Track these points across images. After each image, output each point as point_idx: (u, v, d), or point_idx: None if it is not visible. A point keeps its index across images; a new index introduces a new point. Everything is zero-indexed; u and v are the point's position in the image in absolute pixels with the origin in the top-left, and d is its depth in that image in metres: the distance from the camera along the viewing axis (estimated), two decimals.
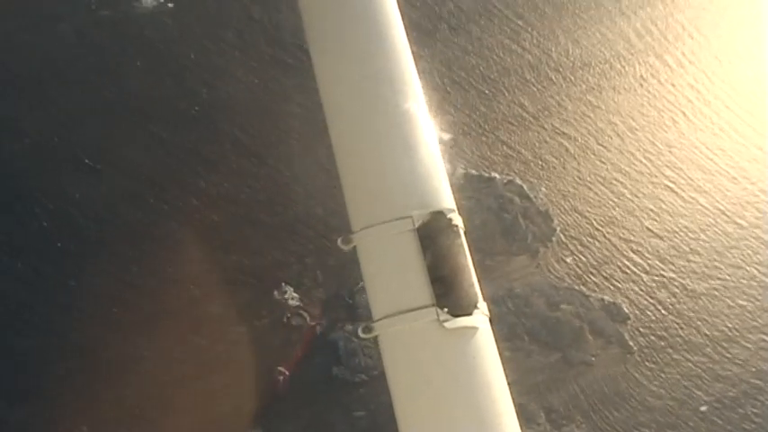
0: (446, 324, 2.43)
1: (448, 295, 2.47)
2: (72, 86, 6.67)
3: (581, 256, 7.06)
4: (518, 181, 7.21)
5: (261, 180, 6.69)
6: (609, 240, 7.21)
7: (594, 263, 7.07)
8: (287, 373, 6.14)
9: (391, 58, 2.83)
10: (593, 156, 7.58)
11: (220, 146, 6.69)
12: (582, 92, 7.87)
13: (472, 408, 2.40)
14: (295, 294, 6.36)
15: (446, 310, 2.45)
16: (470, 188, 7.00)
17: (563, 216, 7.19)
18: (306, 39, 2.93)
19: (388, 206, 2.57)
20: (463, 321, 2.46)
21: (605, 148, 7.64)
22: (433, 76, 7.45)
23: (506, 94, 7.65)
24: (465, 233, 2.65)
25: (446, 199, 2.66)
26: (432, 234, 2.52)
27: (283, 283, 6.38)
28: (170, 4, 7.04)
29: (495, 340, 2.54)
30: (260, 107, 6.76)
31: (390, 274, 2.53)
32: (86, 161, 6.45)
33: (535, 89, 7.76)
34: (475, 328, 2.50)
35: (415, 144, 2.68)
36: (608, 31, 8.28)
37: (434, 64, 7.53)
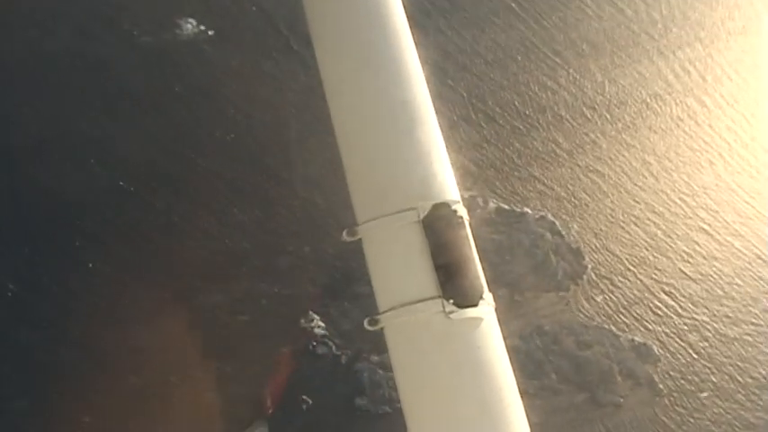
0: (452, 315, 2.47)
1: (453, 286, 2.51)
2: (109, 111, 6.87)
3: (612, 296, 7.07)
4: (550, 217, 7.26)
5: (293, 210, 6.81)
6: (640, 281, 7.22)
7: (625, 303, 7.07)
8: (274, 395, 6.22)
9: (394, 51, 2.85)
10: (626, 195, 7.61)
11: (254, 174, 6.83)
12: (617, 130, 7.93)
13: (478, 399, 2.43)
14: (321, 323, 6.43)
15: (452, 301, 2.49)
16: (502, 222, 7.06)
17: (594, 254, 7.22)
18: (309, 32, 2.97)
19: (392, 198, 2.61)
20: (469, 312, 2.50)
21: (639, 187, 7.67)
22: (467, 111, 7.56)
23: (541, 131, 7.73)
24: (469, 224, 2.70)
25: (450, 190, 2.69)
26: (436, 225, 2.56)
27: (310, 312, 6.46)
28: (210, 32, 7.24)
29: (502, 332, 2.56)
30: (296, 137, 6.89)
31: (395, 266, 2.58)
32: (121, 183, 6.61)
33: (570, 126, 7.83)
34: (481, 319, 2.53)
35: (418, 136, 2.73)
36: (645, 71, 8.34)
37: (469, 98, 7.64)
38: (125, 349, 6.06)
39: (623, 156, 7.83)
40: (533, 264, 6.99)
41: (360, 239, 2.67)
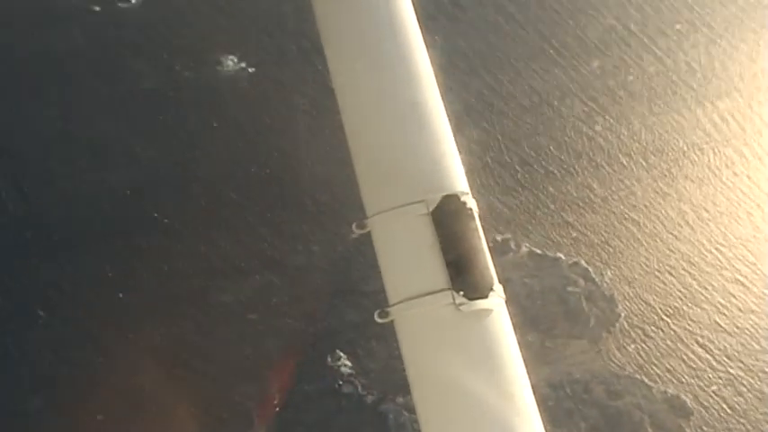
0: (462, 307, 2.46)
1: (463, 278, 2.49)
2: (147, 149, 7.05)
3: (644, 345, 7.03)
4: (583, 263, 7.27)
5: (323, 247, 6.90)
6: (674, 331, 7.17)
7: (658, 353, 7.03)
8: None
9: (403, 44, 2.87)
10: (661, 243, 7.61)
11: (288, 210, 6.95)
12: (653, 178, 7.96)
13: (489, 390, 2.44)
14: (348, 362, 6.47)
15: (462, 293, 2.47)
16: (534, 267, 7.09)
17: (627, 303, 7.20)
18: (317, 25, 2.99)
19: (401, 190, 2.60)
20: (479, 304, 2.48)
21: (675, 236, 7.66)
22: (502, 154, 7.65)
23: (576, 177, 7.79)
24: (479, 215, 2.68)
25: (459, 182, 2.68)
26: (446, 217, 2.55)
27: (338, 350, 6.51)
28: (250, 70, 7.44)
29: (512, 324, 2.56)
30: (330, 174, 7.01)
31: (405, 259, 2.57)
32: (164, 220, 6.76)
33: (605, 172, 7.88)
34: (490, 311, 2.52)
35: (427, 128, 2.73)
36: (683, 120, 8.39)
37: (504, 142, 7.73)
38: (135, 348, 6.20)
39: (659, 204, 7.84)
40: (565, 310, 6.99)
41: (369, 232, 2.64)
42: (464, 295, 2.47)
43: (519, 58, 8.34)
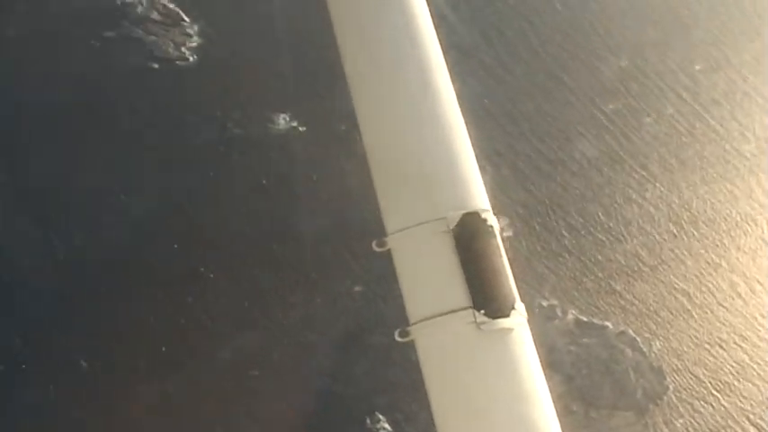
0: (483, 326, 2.47)
1: (485, 297, 2.52)
2: (196, 208, 7.28)
3: (693, 421, 6.94)
4: (631, 333, 7.25)
5: (363, 304, 6.99)
6: (724, 407, 7.07)
7: (707, 430, 6.93)
8: None
9: (423, 61, 2.92)
10: (711, 315, 7.55)
11: (333, 268, 7.08)
12: (704, 248, 7.94)
13: (511, 411, 2.45)
14: (387, 426, 6.49)
15: (483, 312, 2.49)
16: (580, 335, 7.09)
17: (675, 375, 7.14)
18: (337, 43, 3.06)
19: (421, 208, 2.64)
20: (501, 323, 2.50)
21: (726, 308, 7.61)
22: (549, 219, 7.72)
23: (624, 244, 7.81)
24: (500, 233, 2.72)
25: (480, 199, 2.72)
26: (467, 235, 2.58)
27: (377, 412, 6.54)
28: (301, 128, 7.67)
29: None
30: (379, 234, 7.13)
31: (426, 277, 2.60)
32: (202, 269, 6.94)
33: (655, 241, 7.89)
34: (513, 330, 2.54)
35: (448, 145, 2.77)
36: (736, 189, 8.39)
37: (551, 206, 7.81)
38: (132, 404, 6.27)
39: (710, 275, 7.81)
40: (611, 380, 6.95)
41: (389, 250, 2.68)
42: (485, 314, 2.49)
43: (568, 123, 8.47)
